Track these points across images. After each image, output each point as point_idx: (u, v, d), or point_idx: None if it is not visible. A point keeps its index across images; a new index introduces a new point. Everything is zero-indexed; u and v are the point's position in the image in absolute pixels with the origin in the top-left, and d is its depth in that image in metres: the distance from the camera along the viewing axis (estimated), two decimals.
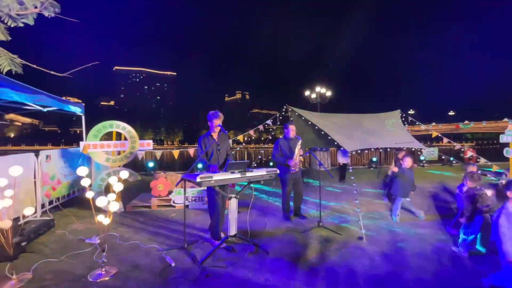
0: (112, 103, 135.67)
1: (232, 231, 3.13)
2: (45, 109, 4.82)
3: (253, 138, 8.06)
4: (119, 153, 4.96)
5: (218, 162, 3.42)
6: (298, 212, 4.47)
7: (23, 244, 3.16)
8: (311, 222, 4.18)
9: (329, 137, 6.59)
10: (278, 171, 3.44)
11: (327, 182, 7.55)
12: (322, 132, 6.73)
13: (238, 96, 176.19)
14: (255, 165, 6.10)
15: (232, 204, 3.13)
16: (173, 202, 4.96)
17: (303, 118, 7.39)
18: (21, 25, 1.46)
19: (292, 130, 4.32)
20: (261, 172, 3.17)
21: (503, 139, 6.41)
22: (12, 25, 1.45)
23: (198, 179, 2.64)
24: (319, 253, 3.12)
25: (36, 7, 1.36)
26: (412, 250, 3.19)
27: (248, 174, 3.04)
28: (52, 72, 1.76)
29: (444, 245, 3.32)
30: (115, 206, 2.70)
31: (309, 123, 7.17)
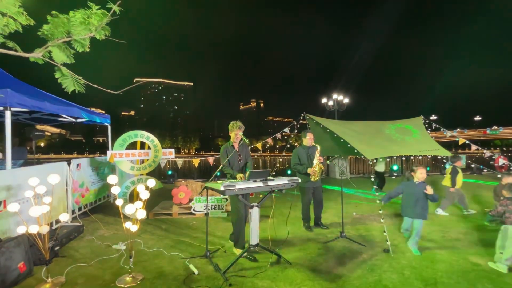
0: (132, 113, 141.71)
1: (254, 240, 3.12)
2: (77, 120, 5.14)
3: (268, 146, 8.08)
4: (142, 161, 5.15)
5: (240, 170, 3.47)
6: (319, 221, 4.39)
7: (56, 248, 3.33)
8: (333, 232, 4.08)
9: (348, 145, 6.46)
10: (299, 180, 3.41)
11: (346, 191, 7.35)
12: (341, 140, 6.61)
13: (253, 104, 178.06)
14: (274, 173, 6.09)
15: (254, 213, 3.13)
16: (193, 210, 5.04)
17: (321, 126, 7.30)
18: (88, 50, 1.62)
19: (310, 138, 4.30)
20: (283, 181, 3.16)
21: None
22: (80, 50, 1.61)
23: (222, 187, 2.69)
24: (343, 265, 3.03)
25: (91, 31, 1.50)
26: (443, 264, 3.02)
27: (270, 183, 3.05)
28: (108, 91, 1.91)
29: (480, 259, 3.11)
30: (142, 213, 2.79)
31: (328, 130, 7.07)
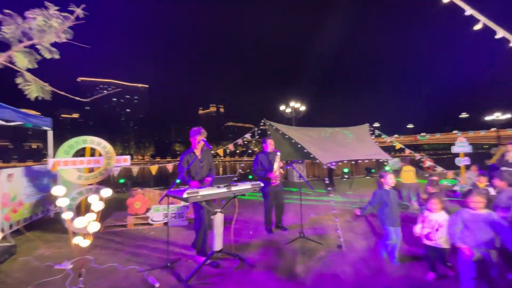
0: (76, 115, 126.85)
1: (218, 246, 3.12)
2: (8, 124, 4.46)
3: (228, 151, 8.11)
4: (92, 170, 4.70)
5: (202, 177, 3.44)
6: (280, 224, 4.57)
7: None
8: (293, 233, 4.30)
9: (305, 150, 6.89)
10: (262, 184, 3.54)
11: (304, 193, 7.78)
12: (299, 145, 7.03)
13: (213, 109, 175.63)
14: (236, 178, 6.12)
15: (217, 219, 3.14)
16: (151, 220, 4.78)
17: (280, 132, 7.66)
18: (57, 57, 1.45)
19: (270, 144, 4.49)
20: (246, 185, 3.25)
21: (454, 149, 7.24)
22: (48, 57, 1.43)
23: (185, 195, 2.64)
24: (303, 263, 3.22)
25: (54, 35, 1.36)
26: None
27: (234, 188, 3.10)
28: (77, 98, 1.72)
29: (416, 249, 3.62)
30: (95, 226, 2.57)
31: (286, 136, 7.44)
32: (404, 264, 3.11)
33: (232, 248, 3.49)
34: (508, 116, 23.54)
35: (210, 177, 3.45)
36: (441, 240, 2.68)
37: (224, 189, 3.01)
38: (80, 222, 2.47)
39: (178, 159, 3.65)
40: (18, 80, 1.53)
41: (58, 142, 4.54)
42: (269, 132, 8.01)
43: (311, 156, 6.74)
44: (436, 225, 2.71)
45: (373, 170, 11.95)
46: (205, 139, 3.51)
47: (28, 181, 4.71)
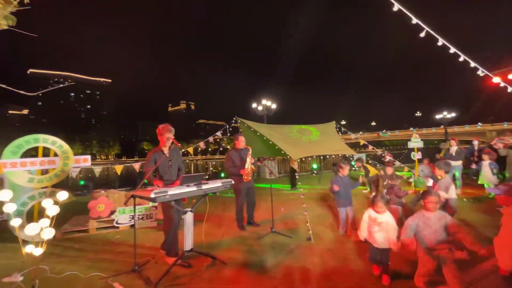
0: (25, 111, 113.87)
1: (188, 246, 3.06)
2: None
3: (200, 149, 7.95)
4: (46, 171, 4.28)
5: (171, 177, 3.33)
6: (252, 219, 4.62)
7: None
8: (264, 228, 4.37)
9: (276, 147, 7.03)
10: (233, 182, 3.54)
11: (275, 189, 7.95)
12: (270, 142, 7.14)
13: (183, 106, 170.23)
14: (207, 176, 6.02)
15: (188, 219, 3.07)
16: (116, 222, 4.51)
17: (252, 129, 7.71)
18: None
19: (241, 141, 4.50)
20: (217, 183, 3.22)
21: (410, 145, 7.95)
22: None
23: (152, 195, 2.54)
24: (274, 257, 3.30)
25: None
26: (352, 243, 3.67)
27: (204, 186, 3.05)
28: (22, 92, 1.51)
29: None
30: (50, 233, 2.35)
31: (258, 133, 7.51)
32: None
33: (203, 246, 3.45)
34: (453, 115, 26.44)
35: (180, 176, 3.36)
36: (385, 241, 2.63)
37: (194, 188, 2.96)
38: (31, 229, 2.24)
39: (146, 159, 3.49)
40: None
41: (6, 141, 4.04)
42: (241, 130, 8.02)
43: (283, 152, 6.91)
44: (382, 226, 2.66)
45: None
46: (174, 137, 3.40)
47: None
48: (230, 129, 7.70)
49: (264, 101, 11.90)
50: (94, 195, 4.65)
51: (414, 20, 2.96)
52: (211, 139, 7.43)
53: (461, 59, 3.33)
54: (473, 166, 7.16)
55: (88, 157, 4.61)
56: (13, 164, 3.88)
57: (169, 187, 2.84)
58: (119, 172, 5.50)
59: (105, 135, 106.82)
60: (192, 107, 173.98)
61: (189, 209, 3.11)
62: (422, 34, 3.05)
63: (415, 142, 7.92)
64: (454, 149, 6.76)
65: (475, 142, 7.57)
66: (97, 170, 5.07)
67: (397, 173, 7.09)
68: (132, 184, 9.28)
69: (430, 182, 3.89)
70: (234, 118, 7.63)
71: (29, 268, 2.91)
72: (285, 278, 2.79)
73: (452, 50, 3.16)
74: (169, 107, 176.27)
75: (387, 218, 2.71)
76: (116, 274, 2.92)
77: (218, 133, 7.45)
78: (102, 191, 4.76)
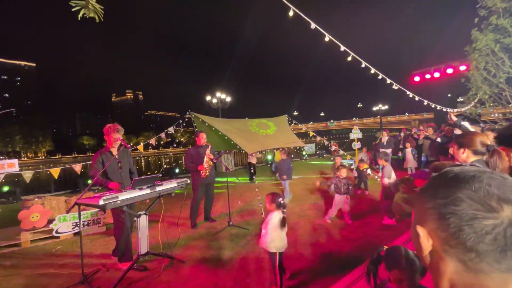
0: None
1: (143, 249, 3.00)
2: None
3: (152, 144, 7.57)
4: None
5: (121, 180, 3.16)
6: (208, 215, 4.68)
7: None
8: (221, 223, 4.49)
9: (232, 142, 7.13)
10: (188, 181, 3.53)
11: (231, 183, 8.10)
12: (226, 137, 7.21)
13: (129, 96, 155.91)
14: (160, 175, 5.79)
15: (142, 222, 3.00)
16: (56, 232, 4.07)
17: (206, 124, 7.63)
18: None
19: (202, 138, 4.48)
20: (172, 184, 3.19)
21: (351, 136, 8.92)
22: None
23: (102, 202, 2.40)
24: (232, 250, 3.46)
25: None
26: (302, 227, 4.06)
27: (158, 188, 3.00)
28: None
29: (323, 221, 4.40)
30: None
31: (213, 128, 7.49)
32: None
33: (160, 248, 3.40)
34: (386, 107, 30.34)
35: (133, 179, 3.21)
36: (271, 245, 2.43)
37: (148, 191, 2.88)
38: None
39: (88, 155, 3.24)
40: None
41: None
42: (195, 124, 7.86)
43: (238, 147, 7.05)
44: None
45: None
46: (121, 138, 3.21)
47: None
48: (184, 124, 7.48)
49: (218, 94, 11.77)
50: (25, 204, 4.08)
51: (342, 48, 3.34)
52: (163, 135, 7.12)
53: (372, 71, 3.90)
54: (400, 154, 8.47)
55: (15, 161, 3.99)
56: None
57: (120, 192, 2.71)
58: (56, 176, 4.86)
59: (32, 129, 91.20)
60: (140, 97, 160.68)
61: (143, 212, 3.02)
62: (349, 58, 3.50)
63: (355, 133, 8.93)
64: (385, 139, 7.88)
65: (401, 134, 8.91)
66: (28, 175, 4.38)
67: (346, 161, 7.95)
68: (72, 187, 8.34)
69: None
70: (188, 113, 7.43)
71: None
72: (243, 269, 2.98)
73: (363, 64, 3.70)
74: (113, 97, 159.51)
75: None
76: None
77: (171, 129, 7.18)
78: (36, 199, 4.22)
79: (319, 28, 3.03)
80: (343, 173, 4.44)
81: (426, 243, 0.45)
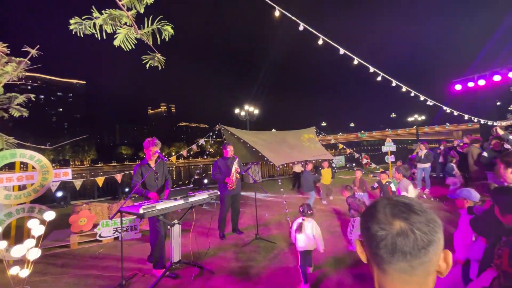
0: None
1: (176, 257, 3.16)
2: None
3: (183, 155, 7.98)
4: (24, 187, 4.15)
5: (157, 190, 3.40)
6: (236, 227, 4.76)
7: None
8: (249, 235, 4.53)
9: (259, 153, 7.24)
10: (218, 193, 3.67)
11: (259, 195, 8.14)
12: (253, 149, 7.34)
13: (163, 108, 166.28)
14: (192, 185, 6.09)
15: (175, 231, 3.17)
16: (100, 236, 4.46)
17: (235, 136, 7.87)
18: (26, 115, 1.31)
19: (230, 150, 4.63)
20: (203, 195, 3.34)
21: (384, 149, 8.50)
22: (17, 115, 1.28)
23: (141, 210, 2.62)
24: (259, 263, 3.48)
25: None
26: (330, 247, 3.94)
27: (191, 199, 3.17)
28: (42, 147, 1.57)
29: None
30: (36, 253, 2.36)
31: (241, 140, 7.69)
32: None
33: (191, 256, 3.55)
34: (423, 117, 28.43)
35: (167, 190, 3.44)
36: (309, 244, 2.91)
37: (181, 201, 3.06)
38: (17, 251, 2.24)
39: (125, 164, 3.54)
40: None
41: None
42: (224, 136, 8.15)
43: (265, 158, 7.13)
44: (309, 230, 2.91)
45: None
46: (159, 151, 3.48)
47: None
48: (213, 136, 7.82)
49: (246, 107, 12.11)
50: (75, 209, 4.55)
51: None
52: (194, 146, 7.49)
53: (404, 90, 3.72)
54: (439, 169, 7.84)
55: (69, 170, 4.51)
56: None
57: (157, 202, 2.92)
58: (100, 184, 5.38)
59: (78, 140, 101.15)
60: (173, 109, 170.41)
61: (176, 221, 3.20)
62: (379, 78, 3.43)
63: (388, 146, 8.49)
64: (423, 152, 7.35)
65: (441, 147, 8.28)
66: (78, 183, 4.94)
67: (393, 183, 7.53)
68: (113, 193, 9.05)
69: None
70: (217, 126, 7.75)
71: None
72: (270, 283, 2.97)
73: (394, 83, 3.58)
74: (149, 110, 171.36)
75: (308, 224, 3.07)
76: None
77: (202, 141, 7.53)
78: (84, 204, 4.68)
79: (348, 53, 3.04)
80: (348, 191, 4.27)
81: (361, 253, 0.59)
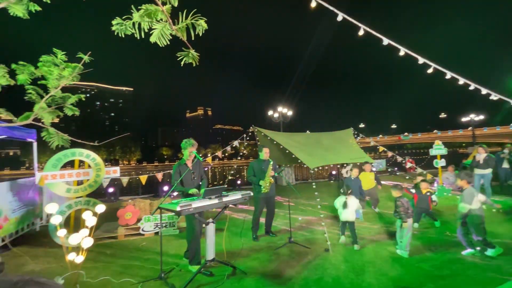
0: (56, 120, 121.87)
1: (210, 255, 3.23)
2: None
3: (218, 156, 8.23)
4: (81, 182, 4.67)
5: (193, 188, 3.54)
6: (269, 229, 4.72)
7: None
8: (282, 238, 4.46)
9: (293, 155, 7.11)
10: (252, 194, 3.68)
11: (292, 198, 7.98)
12: (287, 151, 7.23)
13: (200, 112, 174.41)
14: (226, 185, 6.26)
15: (210, 229, 3.25)
16: (142, 230, 4.80)
17: (268, 137, 7.85)
18: (77, 113, 1.57)
19: (265, 153, 4.64)
20: (237, 196, 3.38)
21: (432, 152, 7.68)
22: (69, 114, 1.55)
23: (178, 208, 2.74)
24: (292, 268, 3.39)
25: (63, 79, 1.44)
26: (369, 255, 3.67)
27: (225, 199, 3.23)
28: (91, 143, 1.84)
29: (394, 248, 3.88)
30: (89, 242, 2.62)
31: (274, 142, 7.64)
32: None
33: (224, 256, 3.61)
34: (481, 117, 25.01)
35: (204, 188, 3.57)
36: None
37: (216, 201, 3.13)
38: (74, 239, 2.51)
39: (166, 164, 3.75)
40: (43, 134, 1.68)
41: (40, 150, 4.46)
42: (257, 138, 8.19)
43: (299, 161, 6.97)
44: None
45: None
46: (196, 151, 3.63)
47: (13, 195, 4.62)
48: (247, 138, 7.91)
49: (280, 108, 12.05)
50: (122, 204, 4.98)
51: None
52: (229, 149, 7.68)
53: (461, 82, 3.26)
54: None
55: (118, 168, 4.97)
56: (53, 176, 4.29)
57: (193, 200, 3.03)
58: (143, 182, 5.85)
59: (127, 141, 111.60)
60: (209, 112, 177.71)
61: (211, 220, 3.29)
62: (430, 70, 3.06)
63: (438, 149, 7.65)
64: (482, 156, 6.45)
65: (505, 151, 7.19)
66: (125, 180, 5.44)
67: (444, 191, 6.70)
68: (154, 191, 9.71)
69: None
70: (251, 127, 7.83)
71: (69, 273, 3.22)
72: None
73: (448, 75, 3.13)
74: (187, 113, 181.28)
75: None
76: (144, 281, 3.15)
77: (236, 143, 7.67)
78: (129, 200, 5.09)
79: (393, 43, 2.78)
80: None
81: None
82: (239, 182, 10.34)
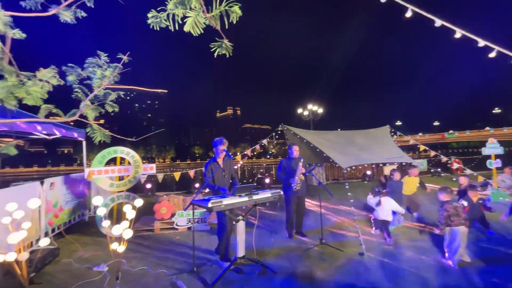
0: (101, 121, 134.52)
1: (241, 252, 3.26)
2: (51, 137, 4.93)
3: (247, 155, 8.29)
4: (122, 178, 5.05)
5: (224, 185, 3.60)
6: (300, 229, 4.62)
7: (32, 275, 3.17)
8: (313, 239, 4.33)
9: (324, 154, 6.87)
10: (282, 192, 3.63)
11: (324, 198, 7.74)
12: (318, 150, 7.01)
13: (230, 111, 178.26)
14: (255, 184, 6.30)
15: (240, 226, 3.28)
16: (176, 224, 5.03)
17: (298, 136, 7.69)
18: (117, 110, 1.74)
19: (295, 151, 4.56)
20: (266, 194, 3.36)
21: (485, 152, 6.85)
22: (110, 110, 1.73)
23: (210, 204, 2.80)
24: (324, 270, 3.26)
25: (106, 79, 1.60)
26: (409, 263, 3.39)
27: (255, 197, 3.22)
28: (129, 139, 2.03)
29: (440, 256, 3.53)
30: (129, 233, 2.80)
31: (304, 141, 7.46)
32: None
33: (254, 253, 3.61)
34: None
35: (234, 186, 3.61)
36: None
37: (246, 198, 3.15)
38: (116, 230, 2.71)
39: (197, 162, 3.86)
40: (88, 129, 1.86)
41: (88, 149, 4.91)
42: (287, 136, 8.08)
43: (331, 160, 6.71)
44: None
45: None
46: (226, 149, 3.68)
47: (66, 188, 5.16)
48: (277, 136, 7.85)
49: (310, 106, 11.75)
50: (158, 199, 5.27)
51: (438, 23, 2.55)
52: (257, 147, 7.69)
53: None
54: None
55: (154, 165, 5.28)
56: (99, 172, 4.70)
57: (224, 197, 3.08)
58: (177, 179, 6.15)
59: (162, 140, 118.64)
60: (238, 112, 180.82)
61: (241, 217, 3.31)
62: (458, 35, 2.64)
63: (492, 147, 6.79)
64: None
65: None
66: (160, 176, 5.79)
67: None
68: (187, 187, 10.15)
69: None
70: (280, 126, 7.75)
71: (112, 261, 3.49)
72: None
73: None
74: (217, 113, 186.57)
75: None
76: (178, 273, 3.29)
77: (265, 141, 7.66)
78: (164, 195, 5.37)
79: (447, 24, 2.47)
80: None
81: None
82: (267, 180, 10.33)
